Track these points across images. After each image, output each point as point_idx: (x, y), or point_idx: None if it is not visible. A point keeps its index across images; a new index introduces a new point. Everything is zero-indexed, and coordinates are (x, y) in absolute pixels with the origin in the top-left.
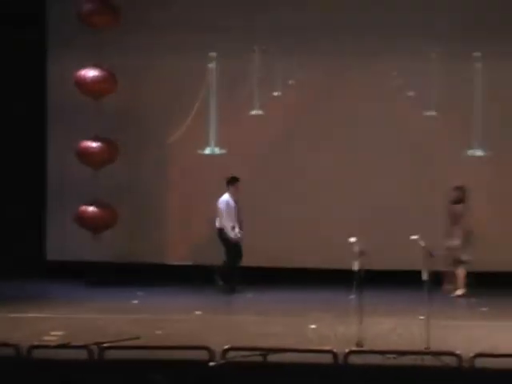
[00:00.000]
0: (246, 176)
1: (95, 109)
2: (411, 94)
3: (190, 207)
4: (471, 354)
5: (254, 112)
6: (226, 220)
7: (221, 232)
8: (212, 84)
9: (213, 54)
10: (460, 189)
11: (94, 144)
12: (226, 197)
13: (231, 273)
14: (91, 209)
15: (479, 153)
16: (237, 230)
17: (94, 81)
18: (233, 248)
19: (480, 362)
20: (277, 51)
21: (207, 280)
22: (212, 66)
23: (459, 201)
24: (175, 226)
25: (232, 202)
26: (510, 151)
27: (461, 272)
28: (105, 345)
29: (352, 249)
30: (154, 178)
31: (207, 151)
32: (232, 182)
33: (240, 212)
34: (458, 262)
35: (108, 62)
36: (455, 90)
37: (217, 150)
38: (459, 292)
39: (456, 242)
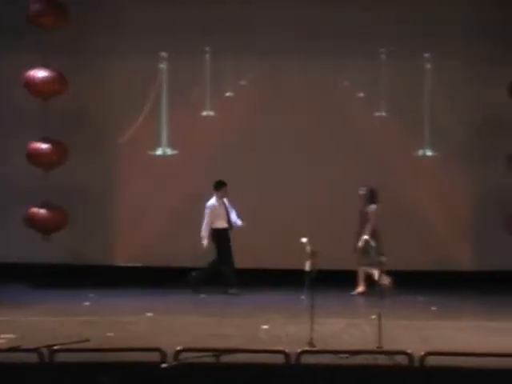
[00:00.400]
0: (197, 177)
1: (44, 110)
2: (361, 94)
3: (140, 208)
4: (422, 353)
5: (205, 113)
6: (205, 226)
7: (213, 233)
8: (163, 84)
9: (164, 55)
10: (368, 190)
11: (44, 145)
12: (212, 201)
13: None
14: (41, 210)
15: (429, 153)
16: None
17: (44, 81)
18: (222, 249)
19: (431, 361)
20: (228, 51)
21: (158, 281)
22: (163, 66)
23: (368, 201)
24: (125, 227)
25: (220, 206)
26: (459, 151)
27: (363, 272)
28: (55, 347)
29: (304, 249)
30: (105, 179)
31: (158, 152)
32: (217, 187)
33: (232, 213)
34: (365, 263)
35: (58, 63)
36: (405, 91)
37: (168, 151)
38: (360, 290)
39: (361, 243)
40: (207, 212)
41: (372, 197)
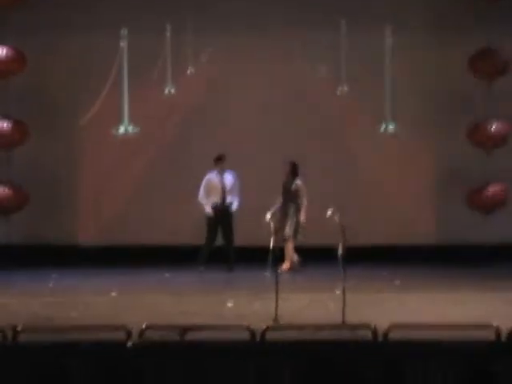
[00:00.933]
0: (160, 154)
1: (3, 89)
2: (322, 67)
3: (102, 187)
4: (386, 326)
5: (167, 90)
6: (202, 197)
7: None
8: (124, 62)
9: (124, 32)
10: (292, 163)
11: (4, 125)
12: (208, 175)
13: (202, 251)
14: (2, 190)
15: (391, 127)
16: (208, 208)
17: (1, 60)
18: (208, 226)
19: (394, 334)
20: (189, 28)
21: (121, 260)
22: (123, 43)
23: (292, 175)
24: (88, 207)
25: (216, 179)
26: (420, 125)
27: (290, 247)
28: (18, 328)
29: (268, 226)
30: (66, 158)
31: (120, 130)
32: (215, 161)
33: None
34: (288, 238)
35: (15, 41)
36: (366, 65)
37: (130, 129)
38: (285, 266)
39: (303, 217)
40: (202, 184)
41: (295, 170)
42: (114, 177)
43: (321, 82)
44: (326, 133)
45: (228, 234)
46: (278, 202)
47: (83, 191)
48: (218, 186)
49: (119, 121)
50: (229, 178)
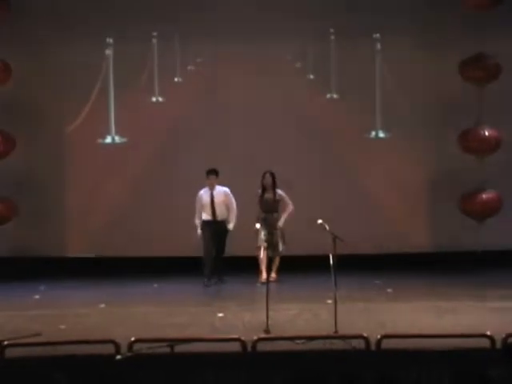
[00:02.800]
0: (147, 164)
1: None
2: (311, 77)
3: (90, 198)
4: (378, 336)
5: (154, 99)
6: (196, 217)
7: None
8: (110, 71)
9: (110, 40)
10: (272, 174)
11: None
12: (199, 192)
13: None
14: None
15: (381, 134)
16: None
17: None
18: (203, 240)
19: (387, 343)
20: (176, 36)
21: (109, 272)
22: (109, 52)
23: (273, 186)
24: (76, 218)
25: (206, 196)
26: (411, 131)
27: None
28: (5, 343)
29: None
30: (53, 169)
31: (107, 140)
32: (207, 174)
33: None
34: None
35: (0, 51)
36: (355, 72)
37: (117, 139)
38: (273, 276)
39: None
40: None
41: (275, 181)
42: (101, 187)
43: (310, 91)
44: (315, 142)
45: (219, 247)
46: (260, 214)
47: (71, 202)
48: (208, 202)
49: (106, 130)
50: (219, 195)
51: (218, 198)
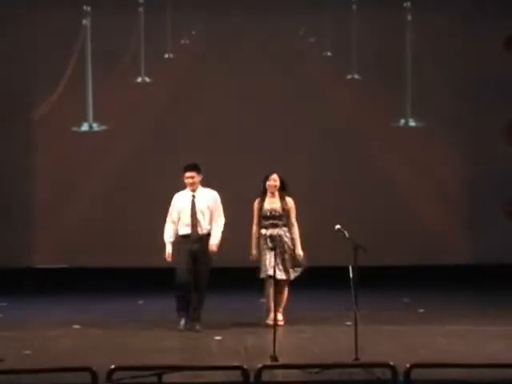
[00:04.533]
0: (131, 157)
1: None
2: (328, 54)
3: (63, 197)
4: (407, 365)
5: (139, 79)
6: (166, 228)
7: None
8: (87, 46)
9: (87, 9)
10: (281, 178)
11: None
12: (176, 196)
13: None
14: None
15: (412, 123)
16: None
17: None
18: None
19: (418, 374)
20: (166, 4)
21: (86, 286)
22: (86, 22)
23: (281, 193)
24: (46, 221)
25: (186, 200)
26: (447, 120)
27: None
28: None
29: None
30: (20, 163)
31: (84, 128)
32: (184, 170)
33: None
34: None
35: None
36: (382, 49)
37: (95, 126)
38: (281, 319)
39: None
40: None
41: (284, 184)
42: (76, 183)
43: (327, 71)
44: (331, 133)
45: (198, 278)
46: (260, 226)
47: (39, 202)
48: (187, 209)
49: (82, 116)
50: (203, 199)
51: (201, 203)
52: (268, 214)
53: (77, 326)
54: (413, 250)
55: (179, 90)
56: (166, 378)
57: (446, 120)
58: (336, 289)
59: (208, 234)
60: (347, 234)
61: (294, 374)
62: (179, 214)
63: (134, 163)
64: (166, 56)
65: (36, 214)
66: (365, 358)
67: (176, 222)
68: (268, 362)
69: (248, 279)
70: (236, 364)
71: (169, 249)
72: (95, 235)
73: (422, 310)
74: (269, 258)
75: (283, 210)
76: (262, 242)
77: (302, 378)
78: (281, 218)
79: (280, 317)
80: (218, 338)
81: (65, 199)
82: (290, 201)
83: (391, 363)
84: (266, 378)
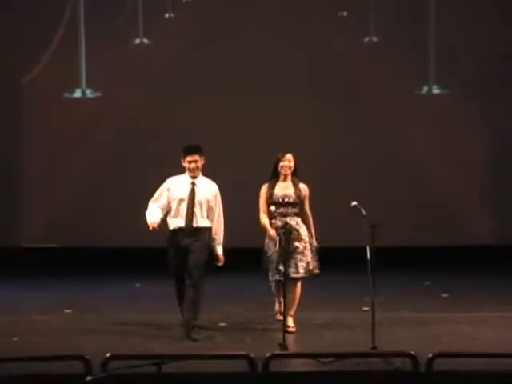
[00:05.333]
0: (127, 126)
1: None
2: (344, 14)
3: (53, 171)
4: (430, 355)
5: (137, 41)
6: (150, 212)
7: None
8: (80, 5)
9: None
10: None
11: None
12: (170, 180)
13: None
14: None
15: (436, 90)
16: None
17: None
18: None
19: (441, 364)
20: None
21: (78, 267)
22: None
23: (293, 177)
24: (34, 197)
25: (185, 187)
26: (473, 89)
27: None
28: None
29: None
30: (5, 134)
31: (76, 94)
32: (185, 153)
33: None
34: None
35: None
36: (403, 7)
37: (89, 93)
38: (292, 326)
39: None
40: (157, 192)
41: (295, 169)
42: (68, 155)
43: (342, 32)
44: (347, 103)
45: (192, 275)
46: (271, 214)
47: (28, 176)
48: (185, 198)
49: (75, 82)
50: (204, 189)
51: (201, 194)
52: (280, 200)
53: (68, 311)
54: (434, 229)
55: (180, 53)
56: (166, 367)
57: (470, 88)
58: (351, 272)
59: (200, 229)
60: (364, 212)
61: (305, 364)
62: (171, 203)
63: (131, 133)
64: (167, 15)
65: (24, 191)
66: (383, 346)
67: (164, 210)
68: (277, 351)
69: (255, 260)
70: (242, 353)
71: (154, 218)
72: (88, 212)
73: (445, 295)
74: (277, 258)
75: (298, 197)
76: (268, 235)
77: (314, 368)
78: (294, 206)
79: (291, 322)
80: (222, 324)
81: (56, 171)
82: (305, 188)
83: (412, 352)
84: (275, 367)
